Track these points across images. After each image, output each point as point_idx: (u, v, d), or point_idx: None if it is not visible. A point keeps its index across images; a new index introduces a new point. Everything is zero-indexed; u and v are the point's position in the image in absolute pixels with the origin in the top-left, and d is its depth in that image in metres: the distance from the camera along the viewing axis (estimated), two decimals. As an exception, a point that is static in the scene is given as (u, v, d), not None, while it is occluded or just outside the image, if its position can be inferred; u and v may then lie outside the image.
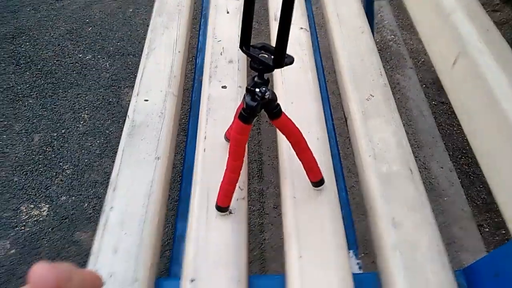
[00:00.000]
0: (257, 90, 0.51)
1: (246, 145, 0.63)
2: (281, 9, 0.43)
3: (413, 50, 1.76)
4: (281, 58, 0.47)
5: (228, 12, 0.97)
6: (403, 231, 0.60)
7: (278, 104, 0.55)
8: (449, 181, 1.35)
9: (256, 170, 1.37)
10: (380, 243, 0.62)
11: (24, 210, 1.29)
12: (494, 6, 1.90)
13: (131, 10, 1.94)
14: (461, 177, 1.36)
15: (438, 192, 1.32)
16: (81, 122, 1.50)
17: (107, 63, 1.70)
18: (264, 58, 0.49)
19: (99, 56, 1.73)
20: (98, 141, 1.44)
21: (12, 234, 1.23)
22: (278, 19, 0.44)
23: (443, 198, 1.31)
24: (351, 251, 0.64)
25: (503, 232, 1.25)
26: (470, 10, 0.64)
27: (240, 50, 0.51)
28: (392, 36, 1.79)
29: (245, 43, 0.50)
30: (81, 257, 1.18)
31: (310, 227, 0.62)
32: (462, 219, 1.26)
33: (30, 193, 1.32)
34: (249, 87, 0.51)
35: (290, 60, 0.49)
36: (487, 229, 1.27)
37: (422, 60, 1.73)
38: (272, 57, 0.48)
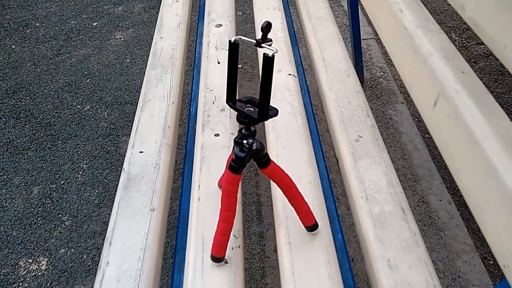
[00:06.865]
0: (245, 141, 0.53)
1: (239, 194, 0.64)
2: (262, 67, 0.45)
3: (403, 86, 1.80)
4: (265, 112, 0.49)
5: (219, 63, 1.01)
6: (399, 273, 0.60)
7: (267, 154, 0.56)
8: (448, 214, 1.34)
9: (255, 212, 1.37)
10: (377, 285, 0.61)
11: (23, 265, 1.27)
12: (478, 39, 1.97)
13: (128, 60, 2.01)
14: (460, 209, 1.36)
15: (438, 226, 1.31)
16: (80, 173, 1.52)
17: (105, 112, 1.74)
18: (249, 111, 0.51)
19: (97, 107, 1.77)
20: (96, 191, 1.45)
21: (10, 291, 1.22)
22: None
23: (444, 232, 1.30)
24: (349, 295, 0.63)
25: (508, 264, 1.23)
26: (446, 53, 0.67)
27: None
28: (382, 73, 1.84)
29: (231, 99, 0.52)
30: (80, 312, 1.16)
31: (307, 273, 0.62)
32: (465, 253, 1.24)
33: (29, 247, 1.31)
34: (236, 139, 0.53)
35: (275, 112, 0.51)
36: (491, 262, 1.25)
37: (413, 94, 1.76)
38: (257, 110, 0.50)
